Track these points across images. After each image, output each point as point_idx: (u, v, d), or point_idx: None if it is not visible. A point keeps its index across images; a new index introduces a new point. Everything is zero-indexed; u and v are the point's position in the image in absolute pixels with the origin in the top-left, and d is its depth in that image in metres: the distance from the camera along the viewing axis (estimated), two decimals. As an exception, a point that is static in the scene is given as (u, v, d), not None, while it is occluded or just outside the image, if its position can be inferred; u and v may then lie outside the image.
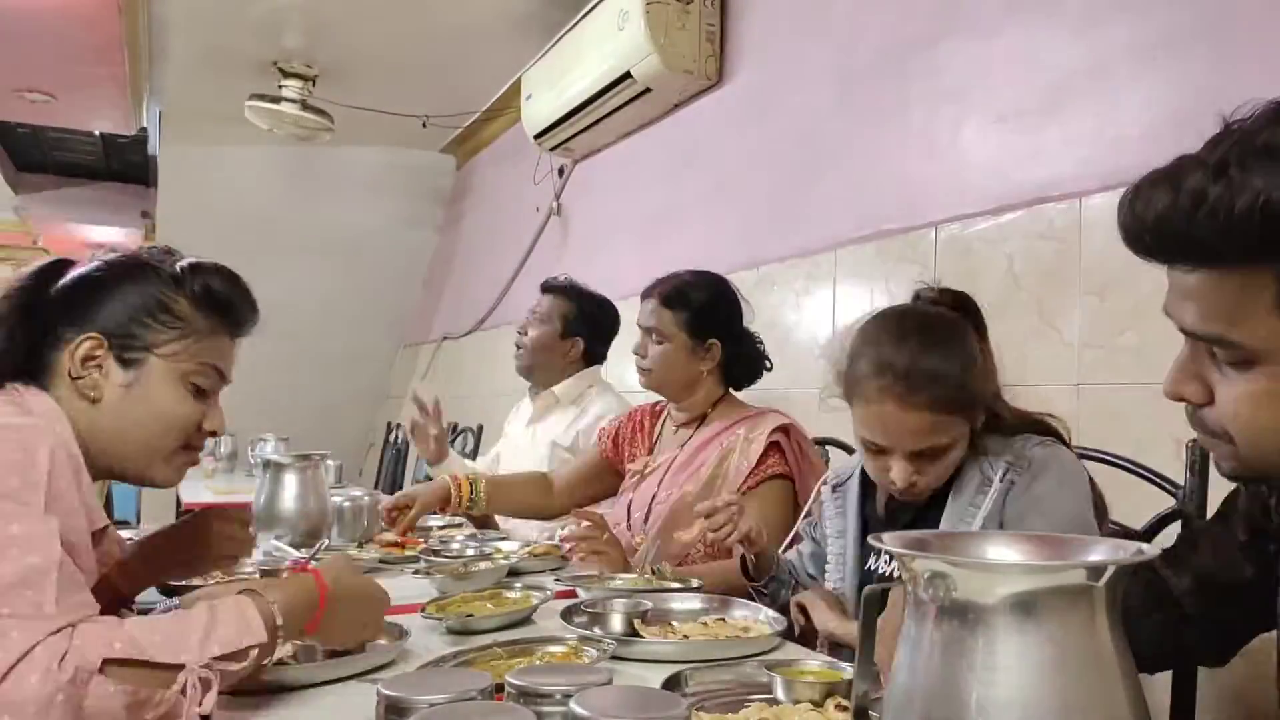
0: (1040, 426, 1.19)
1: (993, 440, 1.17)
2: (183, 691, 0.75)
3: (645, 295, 1.86)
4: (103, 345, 0.97)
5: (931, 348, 1.11)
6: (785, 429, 1.72)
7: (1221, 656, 0.97)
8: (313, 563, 1.41)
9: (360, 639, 1.03)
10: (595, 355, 2.42)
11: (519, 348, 2.39)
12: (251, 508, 1.84)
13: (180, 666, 0.75)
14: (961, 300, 1.21)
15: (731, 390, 1.87)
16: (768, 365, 1.88)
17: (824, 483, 1.40)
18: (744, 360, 1.85)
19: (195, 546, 1.27)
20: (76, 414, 0.96)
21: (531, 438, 2.37)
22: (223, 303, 1.07)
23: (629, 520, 1.80)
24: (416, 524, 1.87)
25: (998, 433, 1.18)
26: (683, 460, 1.78)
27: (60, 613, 0.75)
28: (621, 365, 3.01)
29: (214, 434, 1.11)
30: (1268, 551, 0.86)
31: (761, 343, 1.88)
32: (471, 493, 1.88)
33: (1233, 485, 0.92)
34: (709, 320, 1.80)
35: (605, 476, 2.00)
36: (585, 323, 2.37)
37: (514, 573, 1.57)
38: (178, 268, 1.05)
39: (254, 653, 0.82)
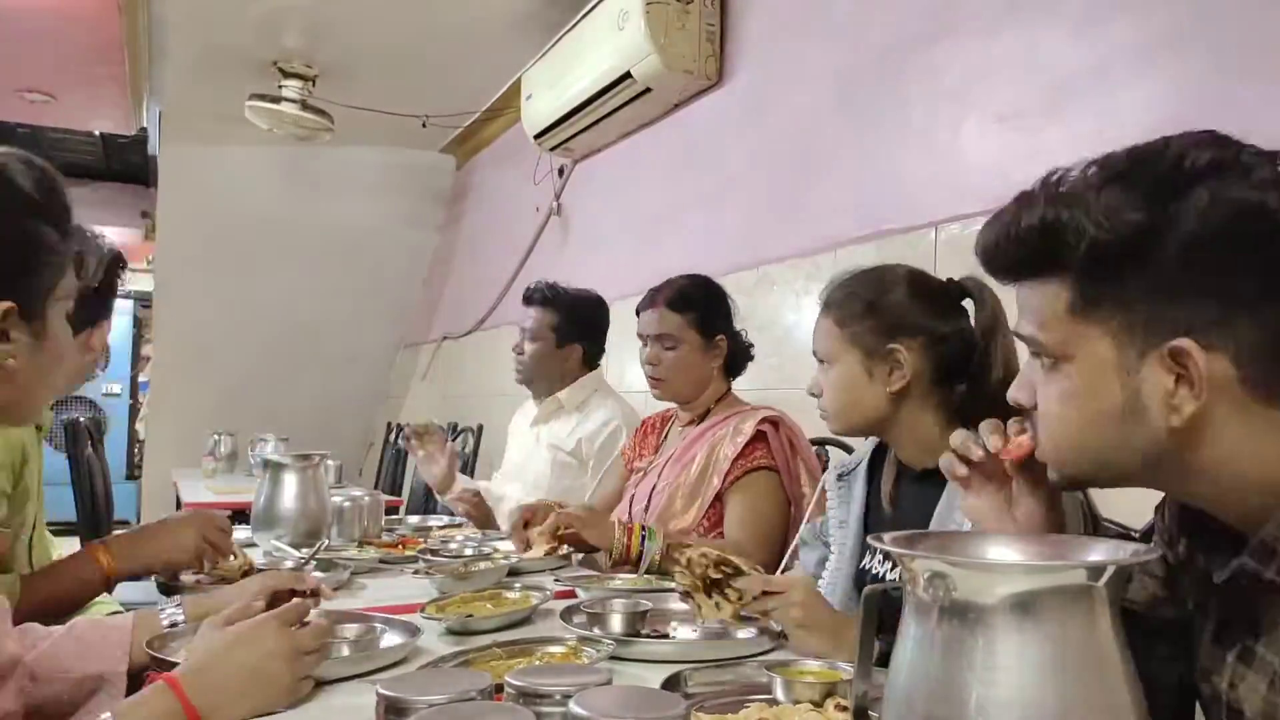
0: None
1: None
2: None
3: (645, 306, 1.88)
4: (14, 311, 0.85)
5: (856, 277, 1.26)
6: (775, 421, 1.74)
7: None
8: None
9: (270, 698, 0.88)
10: (594, 354, 2.44)
11: (519, 364, 2.39)
12: (250, 508, 1.85)
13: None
14: (965, 286, 1.23)
15: (731, 386, 1.90)
16: (752, 354, 1.93)
17: (827, 475, 1.41)
18: (741, 352, 1.90)
19: (186, 540, 1.32)
20: None
21: (536, 439, 2.39)
22: (67, 208, 0.93)
23: (630, 513, 1.83)
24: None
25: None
26: (678, 453, 1.81)
27: None
28: (621, 362, 3.01)
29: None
30: (1180, 588, 0.82)
31: (745, 331, 1.93)
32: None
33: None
34: (715, 316, 1.85)
35: None
36: (577, 327, 2.38)
37: (514, 572, 1.57)
38: (26, 185, 0.89)
39: None
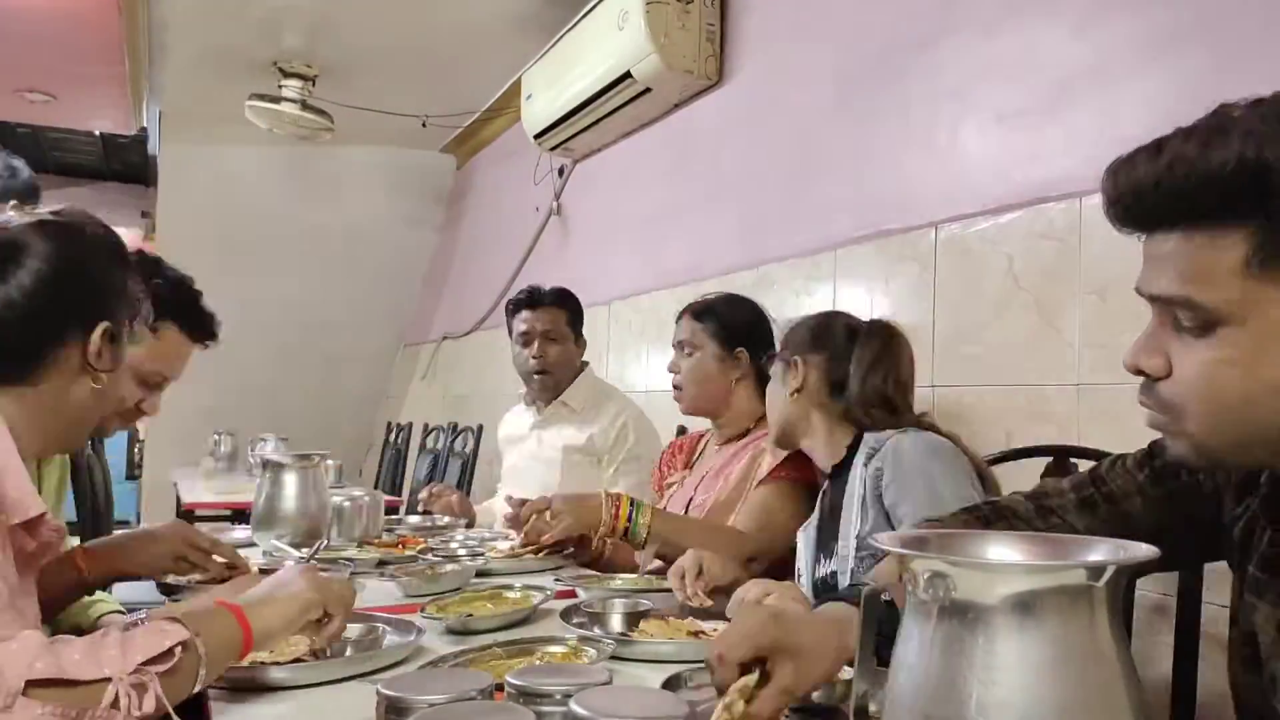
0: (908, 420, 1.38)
1: (869, 435, 1.37)
2: (114, 706, 0.72)
3: (678, 317, 1.91)
4: (108, 331, 0.97)
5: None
6: None
7: None
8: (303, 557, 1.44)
9: (299, 617, 0.97)
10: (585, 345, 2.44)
11: (543, 372, 2.30)
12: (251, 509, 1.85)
13: (107, 680, 0.72)
14: (874, 326, 1.47)
15: None
16: None
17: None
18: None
19: (164, 546, 1.35)
20: (71, 400, 0.95)
21: (538, 442, 2.36)
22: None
23: None
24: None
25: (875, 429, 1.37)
26: (717, 467, 1.79)
27: None
28: (622, 363, 3.01)
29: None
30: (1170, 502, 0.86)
31: None
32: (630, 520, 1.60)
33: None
34: (737, 328, 1.85)
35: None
36: (580, 321, 2.40)
37: (483, 574, 1.57)
38: (109, 239, 1.05)
39: (179, 651, 0.78)
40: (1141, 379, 0.73)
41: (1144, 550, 0.61)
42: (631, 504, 1.58)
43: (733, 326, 1.84)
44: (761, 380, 1.83)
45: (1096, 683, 0.57)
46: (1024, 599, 0.57)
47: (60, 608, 1.29)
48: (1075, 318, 1.57)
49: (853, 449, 1.40)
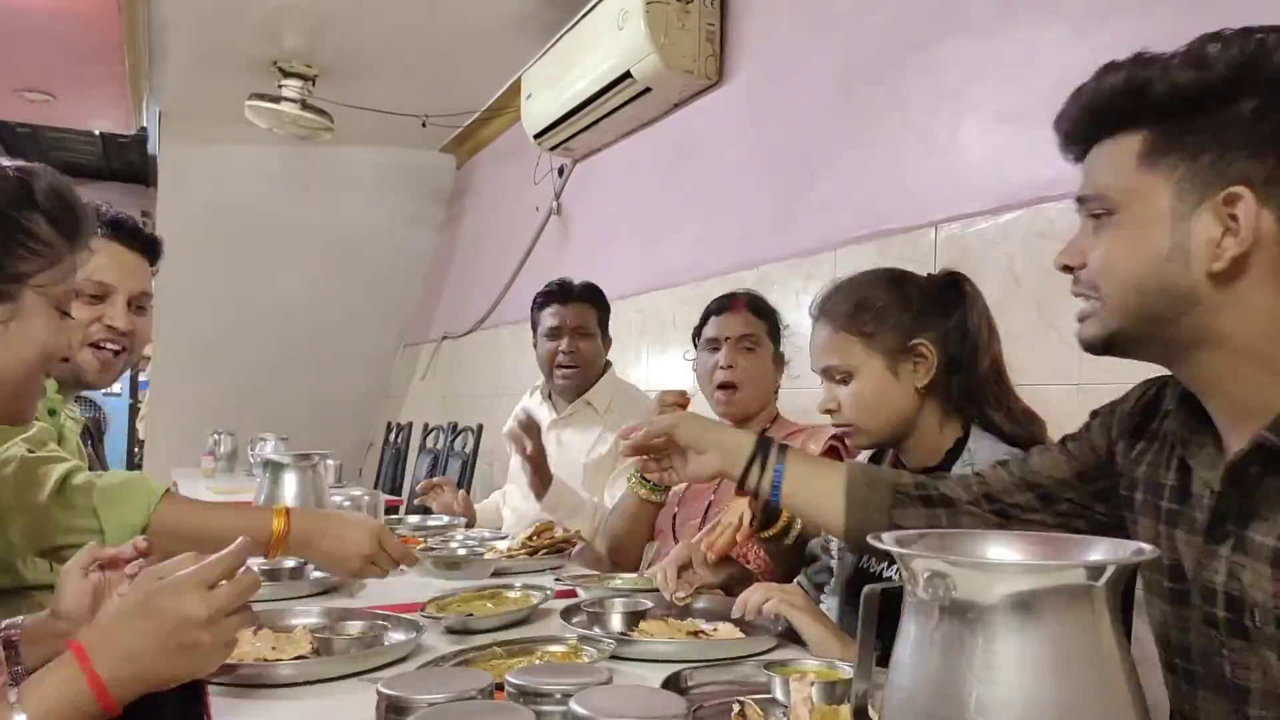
0: (1029, 438, 1.20)
1: (984, 445, 1.19)
2: None
3: (723, 309, 1.78)
4: None
5: (859, 282, 1.26)
6: (842, 438, 1.69)
7: None
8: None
9: (188, 667, 0.82)
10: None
11: (572, 368, 2.21)
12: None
13: None
14: (950, 279, 1.26)
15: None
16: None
17: None
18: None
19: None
20: None
21: (557, 443, 2.24)
22: (75, 212, 0.95)
23: (675, 531, 1.77)
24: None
25: (990, 435, 1.20)
26: None
27: None
28: (624, 362, 3.01)
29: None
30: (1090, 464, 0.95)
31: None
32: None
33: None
34: (779, 331, 1.81)
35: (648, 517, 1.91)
36: (606, 320, 2.33)
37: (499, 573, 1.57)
38: (17, 178, 0.92)
39: None
40: (1073, 276, 0.85)
41: (1144, 549, 0.61)
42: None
43: (778, 325, 1.81)
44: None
45: (1096, 682, 0.58)
46: (1024, 599, 0.57)
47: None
48: (1075, 317, 1.57)
49: (954, 448, 1.21)
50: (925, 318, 1.21)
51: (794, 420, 1.82)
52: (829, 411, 1.24)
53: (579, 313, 2.24)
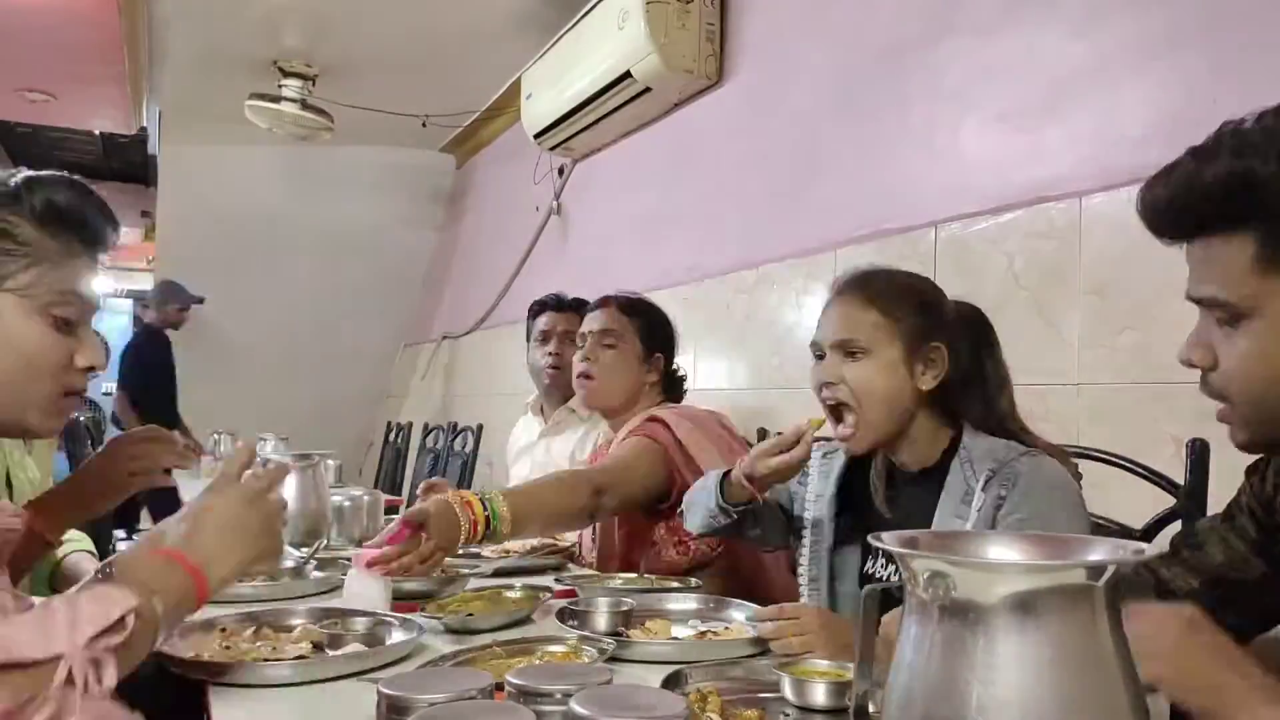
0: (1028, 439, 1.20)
1: (980, 442, 1.19)
2: (69, 683, 0.67)
3: (595, 307, 1.88)
4: None
5: (893, 270, 1.25)
6: (677, 411, 1.76)
7: None
8: None
9: (251, 549, 0.92)
10: None
11: (555, 367, 2.27)
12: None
13: (57, 658, 0.67)
14: (977, 314, 1.27)
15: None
16: (684, 389, 1.95)
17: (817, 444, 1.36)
18: (676, 381, 1.91)
19: (109, 470, 1.23)
20: None
21: (546, 450, 2.37)
22: (73, 219, 0.93)
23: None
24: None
25: (982, 433, 1.21)
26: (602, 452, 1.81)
27: None
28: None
29: (93, 369, 0.98)
30: (1277, 547, 0.87)
31: (680, 367, 1.94)
32: (489, 517, 1.40)
33: (1238, 481, 0.93)
34: (657, 334, 1.86)
35: None
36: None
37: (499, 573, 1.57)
38: (12, 184, 0.91)
39: (131, 620, 0.73)
40: (1202, 375, 0.81)
41: (1144, 550, 0.61)
42: (481, 500, 1.40)
43: (656, 327, 1.86)
44: (666, 388, 1.86)
45: (1096, 683, 0.57)
46: (1024, 599, 0.57)
47: (24, 573, 1.21)
48: (1075, 317, 1.57)
49: (947, 453, 1.21)
50: (947, 329, 1.21)
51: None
52: (827, 385, 1.20)
53: (570, 320, 2.31)
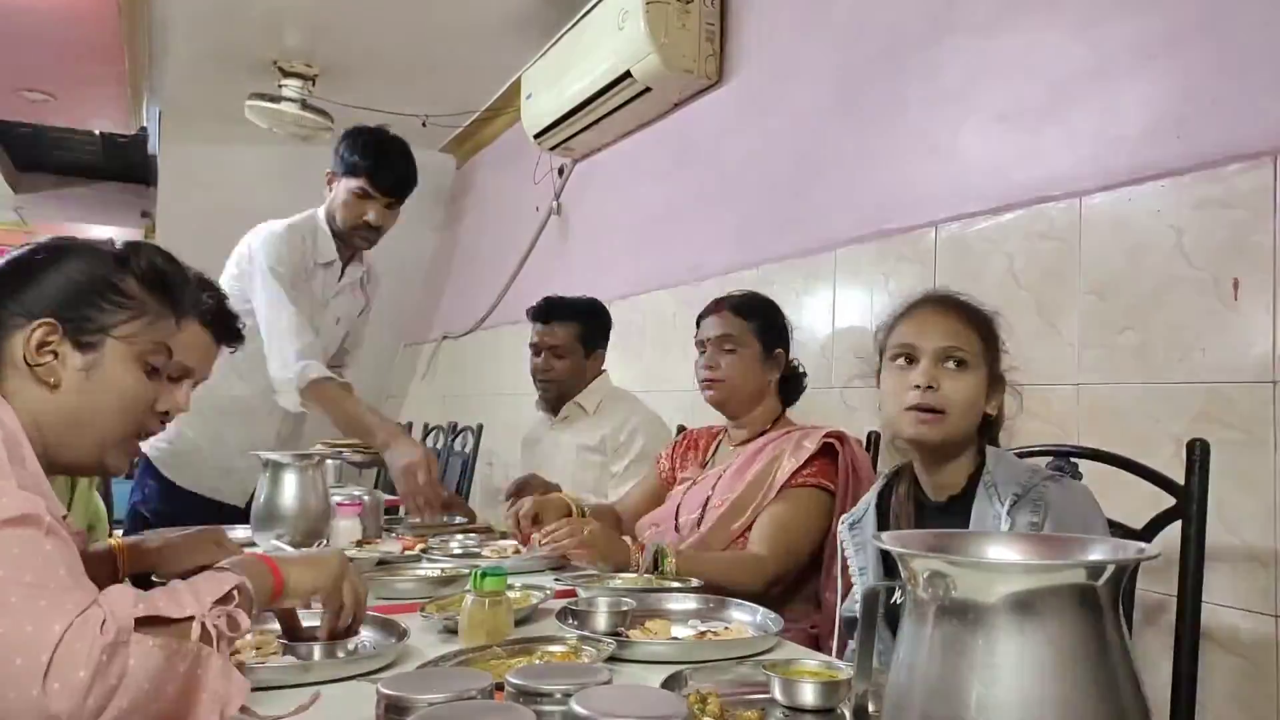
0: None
1: (1003, 464, 1.19)
2: (202, 640, 0.80)
3: (709, 312, 1.87)
4: (57, 330, 0.94)
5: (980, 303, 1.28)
6: (842, 437, 1.70)
7: None
8: None
9: (323, 581, 1.06)
10: (604, 355, 2.49)
11: (547, 381, 2.40)
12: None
13: (191, 618, 0.80)
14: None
15: (786, 410, 1.88)
16: (805, 384, 1.92)
17: (842, 522, 1.37)
18: (795, 377, 1.89)
19: (190, 550, 1.34)
20: (32, 403, 0.93)
21: (555, 444, 2.42)
22: (169, 281, 1.05)
23: (676, 523, 1.79)
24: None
25: (1007, 455, 1.21)
26: (738, 466, 1.77)
27: (77, 585, 0.77)
28: (624, 364, 3.01)
29: (167, 415, 1.12)
30: None
31: (799, 361, 1.92)
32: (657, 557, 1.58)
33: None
34: (775, 329, 1.85)
35: (664, 497, 1.97)
36: (598, 334, 2.44)
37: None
38: (119, 247, 1.04)
39: (237, 594, 0.87)
40: None
41: (1144, 550, 0.61)
42: (656, 553, 1.55)
43: (774, 326, 1.85)
44: (785, 381, 1.85)
45: (1096, 682, 0.57)
46: (1023, 598, 0.57)
47: None
48: (1074, 317, 1.57)
49: (971, 479, 1.21)
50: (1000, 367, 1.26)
51: (806, 425, 1.83)
52: (927, 388, 1.18)
53: (555, 333, 2.39)
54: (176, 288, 1.06)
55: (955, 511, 1.19)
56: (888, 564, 1.25)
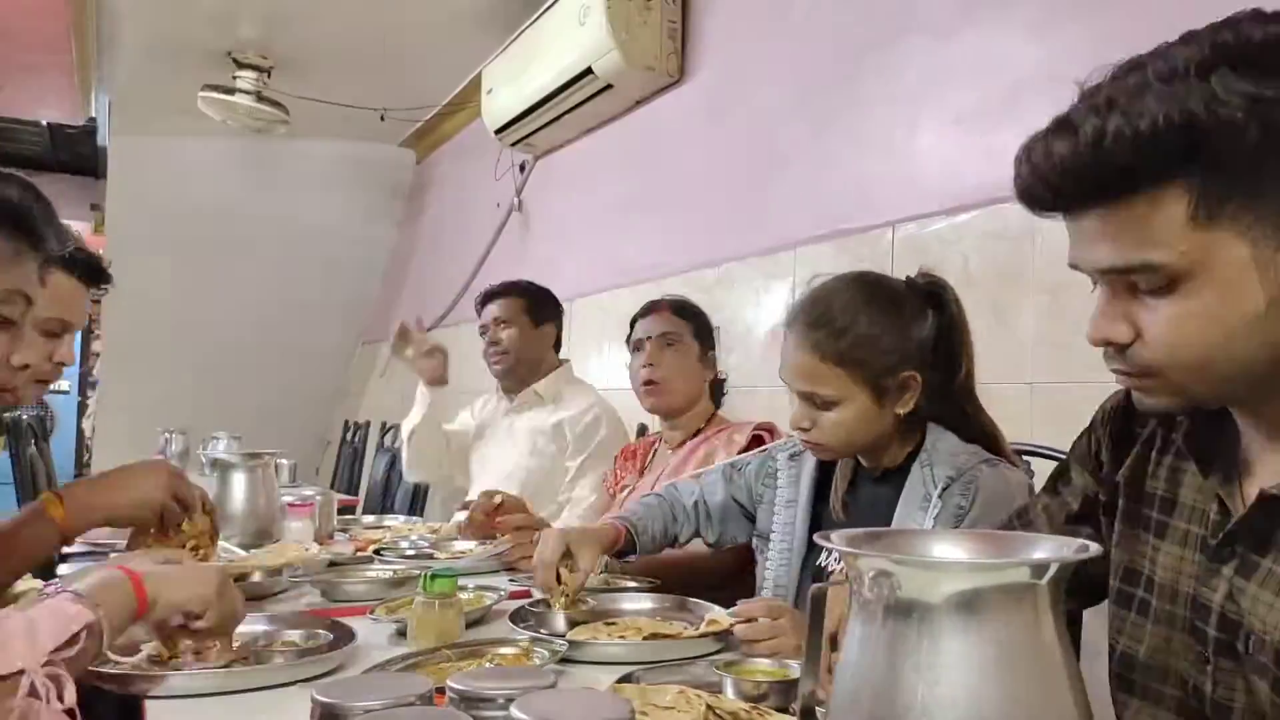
0: (991, 442, 1.21)
1: (942, 444, 1.19)
2: (32, 694, 0.70)
3: (646, 312, 1.89)
4: None
5: (851, 304, 1.19)
6: (771, 428, 1.75)
7: None
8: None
9: (196, 596, 0.94)
10: (559, 340, 2.44)
11: (497, 354, 2.33)
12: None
13: (20, 672, 0.70)
14: (932, 285, 1.24)
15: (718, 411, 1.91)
16: (725, 389, 1.97)
17: (779, 447, 1.39)
18: (720, 383, 1.94)
19: (149, 487, 1.25)
20: None
21: (509, 429, 2.38)
22: (23, 216, 0.90)
23: None
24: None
25: (953, 433, 1.20)
26: (674, 467, 1.78)
27: None
28: (585, 359, 3.00)
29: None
30: (1098, 520, 0.88)
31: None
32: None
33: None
34: (708, 331, 1.89)
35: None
36: (543, 306, 2.40)
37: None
38: None
39: (83, 636, 0.77)
40: (1107, 349, 0.75)
41: (1089, 546, 0.61)
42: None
43: (707, 329, 1.90)
44: (715, 385, 1.89)
45: (1040, 680, 0.57)
46: (968, 597, 0.56)
47: (33, 564, 1.21)
48: (1028, 317, 1.59)
49: (911, 454, 1.21)
50: (912, 340, 1.18)
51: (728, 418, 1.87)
52: (802, 429, 1.20)
53: (500, 305, 2.36)
54: (34, 226, 0.91)
55: (889, 483, 1.21)
56: (817, 508, 1.30)
